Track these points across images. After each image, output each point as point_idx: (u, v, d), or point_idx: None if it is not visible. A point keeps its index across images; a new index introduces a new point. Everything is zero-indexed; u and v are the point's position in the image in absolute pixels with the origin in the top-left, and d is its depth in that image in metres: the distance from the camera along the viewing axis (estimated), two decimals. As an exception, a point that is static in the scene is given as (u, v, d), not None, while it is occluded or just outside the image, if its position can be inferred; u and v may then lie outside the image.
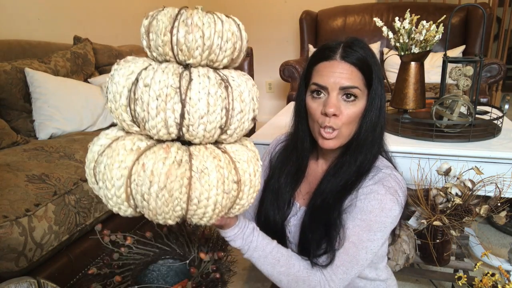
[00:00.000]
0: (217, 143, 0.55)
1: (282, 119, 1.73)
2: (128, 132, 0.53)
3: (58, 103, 1.64)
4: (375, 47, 2.95)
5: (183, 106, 0.46)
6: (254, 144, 1.13)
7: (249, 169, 0.54)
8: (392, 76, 2.74)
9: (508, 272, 1.12)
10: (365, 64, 0.74)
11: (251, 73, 2.73)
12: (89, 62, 2.03)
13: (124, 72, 0.48)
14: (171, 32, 0.47)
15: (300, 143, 0.84)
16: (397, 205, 0.75)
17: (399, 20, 1.35)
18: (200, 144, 0.52)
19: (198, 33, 0.47)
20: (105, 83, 1.93)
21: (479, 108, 1.64)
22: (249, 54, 2.69)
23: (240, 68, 3.11)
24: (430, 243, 1.14)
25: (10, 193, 1.03)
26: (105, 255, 0.91)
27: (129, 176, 0.48)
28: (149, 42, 0.49)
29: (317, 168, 0.88)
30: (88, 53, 2.04)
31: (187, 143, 0.53)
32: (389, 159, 0.84)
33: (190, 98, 0.46)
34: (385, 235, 0.76)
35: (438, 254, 1.20)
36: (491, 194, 1.15)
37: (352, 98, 0.74)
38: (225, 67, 0.53)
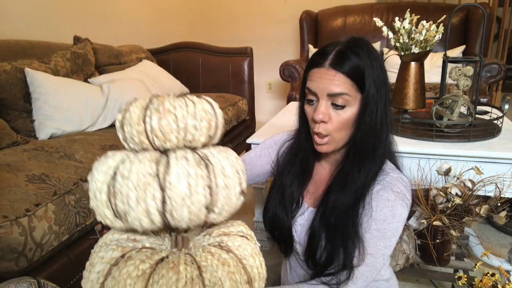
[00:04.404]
0: (219, 238, 0.54)
1: (282, 119, 1.73)
2: (119, 246, 0.53)
3: (58, 103, 1.64)
4: (375, 47, 2.95)
5: (163, 191, 0.45)
6: (254, 144, 1.12)
7: (256, 262, 0.52)
8: (392, 76, 2.72)
9: (508, 272, 1.12)
10: (356, 71, 0.73)
11: (251, 73, 2.72)
12: (89, 62, 2.03)
13: (103, 168, 0.48)
14: (144, 121, 0.47)
15: (303, 144, 0.85)
16: (406, 209, 0.76)
17: (399, 20, 1.35)
18: (202, 250, 0.51)
19: (171, 117, 0.47)
20: (105, 83, 1.91)
21: (479, 108, 1.64)
22: (249, 54, 2.69)
23: (240, 68, 3.06)
24: (430, 243, 1.14)
25: (10, 193, 1.03)
26: (105, 255, 0.91)
27: None
28: (124, 134, 0.50)
29: (322, 170, 0.88)
30: (88, 53, 2.04)
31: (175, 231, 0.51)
32: (396, 162, 0.84)
33: (169, 183, 0.45)
34: (397, 238, 0.78)
35: (438, 254, 1.20)
36: (491, 194, 1.14)
37: (341, 105, 0.73)
38: (204, 145, 0.52)
